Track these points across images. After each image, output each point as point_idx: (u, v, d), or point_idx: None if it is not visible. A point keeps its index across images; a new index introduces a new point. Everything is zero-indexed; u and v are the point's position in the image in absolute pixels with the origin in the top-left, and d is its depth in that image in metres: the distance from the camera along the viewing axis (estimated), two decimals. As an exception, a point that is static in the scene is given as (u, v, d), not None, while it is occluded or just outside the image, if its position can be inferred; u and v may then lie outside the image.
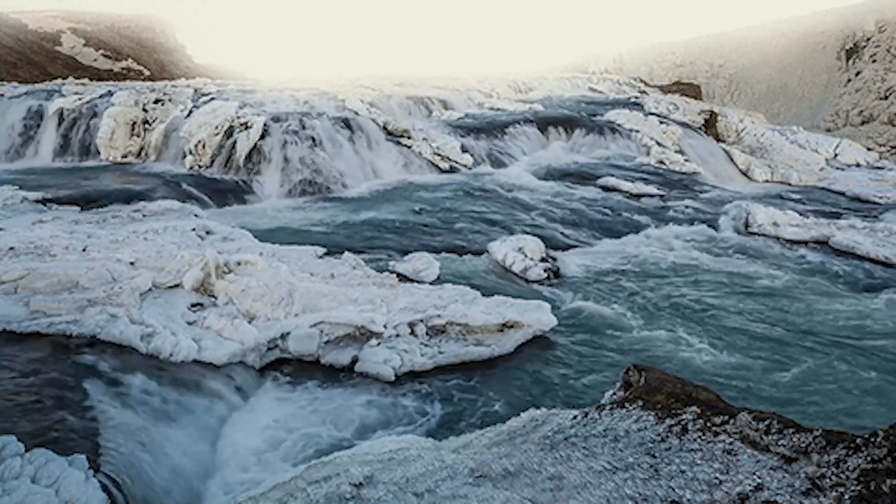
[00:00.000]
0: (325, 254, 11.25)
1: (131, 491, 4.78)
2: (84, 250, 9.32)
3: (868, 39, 66.77)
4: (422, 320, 8.39)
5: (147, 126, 20.07)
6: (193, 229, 11.55)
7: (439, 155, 20.57)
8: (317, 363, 7.82)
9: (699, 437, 3.83)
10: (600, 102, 30.14)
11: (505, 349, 8.24)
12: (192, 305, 8.29)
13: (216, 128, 18.76)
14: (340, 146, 19.30)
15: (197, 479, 5.55)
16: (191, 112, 20.28)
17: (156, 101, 21.05)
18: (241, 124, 18.86)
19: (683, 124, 26.95)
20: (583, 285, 11.15)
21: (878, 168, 27.09)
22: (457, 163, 20.61)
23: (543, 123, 24.64)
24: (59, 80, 29.13)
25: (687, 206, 17.18)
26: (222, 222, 12.82)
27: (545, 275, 11.31)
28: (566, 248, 13.32)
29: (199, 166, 18.24)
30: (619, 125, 25.22)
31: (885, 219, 17.10)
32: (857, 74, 64.66)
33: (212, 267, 8.76)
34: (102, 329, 7.05)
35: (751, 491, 3.27)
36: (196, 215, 13.55)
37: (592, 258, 12.75)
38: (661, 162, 22.34)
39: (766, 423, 3.75)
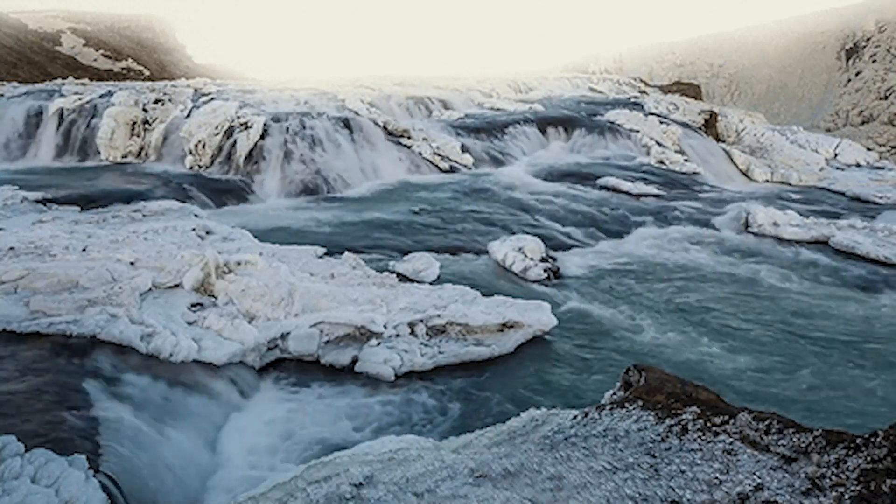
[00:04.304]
0: (325, 254, 11.25)
1: (131, 491, 4.78)
2: (84, 250, 9.32)
3: (868, 39, 66.77)
4: (422, 320, 8.39)
5: (147, 126, 20.06)
6: (193, 229, 11.55)
7: (439, 155, 20.57)
8: (317, 363, 7.82)
9: (699, 437, 3.83)
10: (600, 102, 30.13)
11: (505, 349, 8.24)
12: (192, 305, 8.29)
13: (216, 128, 18.76)
14: (340, 146, 19.31)
15: (197, 479, 5.55)
16: (191, 112, 20.28)
17: (156, 101, 21.05)
18: (241, 124, 18.86)
19: (683, 124, 26.95)
20: (583, 285, 11.15)
21: (878, 168, 27.09)
22: (457, 163, 20.61)
23: (543, 123, 24.64)
24: (59, 80, 29.12)
25: (687, 206, 17.18)
26: (222, 222, 12.82)
27: (545, 275, 11.31)
28: (566, 248, 13.32)
29: (199, 166, 18.24)
30: (619, 125, 25.21)
31: (885, 219, 17.09)
32: (857, 74, 64.67)
33: (212, 267, 8.76)
34: (102, 329, 7.05)
35: (751, 491, 3.27)
36: (196, 215, 13.55)
37: (592, 258, 12.75)
38: (662, 162, 22.34)
39: (766, 423, 3.75)
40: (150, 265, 8.85)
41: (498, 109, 27.31)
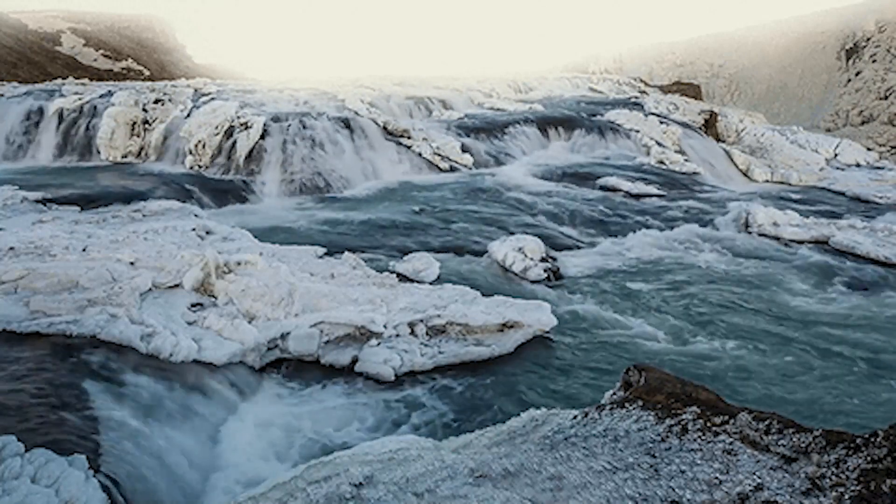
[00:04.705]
0: (325, 254, 11.25)
1: (131, 491, 4.78)
2: (84, 250, 9.32)
3: (868, 39, 66.75)
4: (422, 320, 8.39)
5: (147, 126, 20.06)
6: (193, 229, 11.55)
7: (439, 155, 20.58)
8: (317, 363, 7.82)
9: (699, 437, 3.83)
10: (600, 102, 30.14)
11: (505, 349, 8.24)
12: (192, 305, 8.29)
13: (216, 128, 18.77)
14: (340, 146, 19.31)
15: (196, 479, 5.55)
16: (191, 112, 20.28)
17: (156, 101, 21.05)
18: (241, 124, 18.87)
19: (683, 124, 26.95)
20: (583, 285, 11.14)
21: (878, 168, 27.07)
22: (457, 163, 20.61)
23: (543, 123, 24.63)
24: (59, 80, 29.12)
25: (687, 206, 17.18)
26: (222, 222, 12.82)
27: (545, 275, 11.31)
28: (566, 248, 13.32)
29: (199, 166, 18.25)
30: (619, 125, 25.21)
31: (885, 219, 17.08)
32: (857, 74, 64.64)
33: (212, 267, 8.76)
34: (102, 329, 7.05)
35: (751, 491, 3.27)
36: (196, 215, 13.55)
37: (592, 258, 12.75)
38: (662, 162, 22.33)
39: (766, 423, 3.75)
40: (150, 265, 8.85)
41: (498, 109, 27.31)
